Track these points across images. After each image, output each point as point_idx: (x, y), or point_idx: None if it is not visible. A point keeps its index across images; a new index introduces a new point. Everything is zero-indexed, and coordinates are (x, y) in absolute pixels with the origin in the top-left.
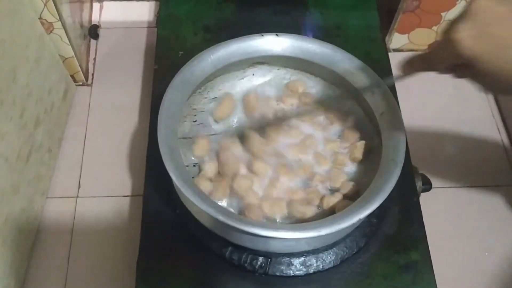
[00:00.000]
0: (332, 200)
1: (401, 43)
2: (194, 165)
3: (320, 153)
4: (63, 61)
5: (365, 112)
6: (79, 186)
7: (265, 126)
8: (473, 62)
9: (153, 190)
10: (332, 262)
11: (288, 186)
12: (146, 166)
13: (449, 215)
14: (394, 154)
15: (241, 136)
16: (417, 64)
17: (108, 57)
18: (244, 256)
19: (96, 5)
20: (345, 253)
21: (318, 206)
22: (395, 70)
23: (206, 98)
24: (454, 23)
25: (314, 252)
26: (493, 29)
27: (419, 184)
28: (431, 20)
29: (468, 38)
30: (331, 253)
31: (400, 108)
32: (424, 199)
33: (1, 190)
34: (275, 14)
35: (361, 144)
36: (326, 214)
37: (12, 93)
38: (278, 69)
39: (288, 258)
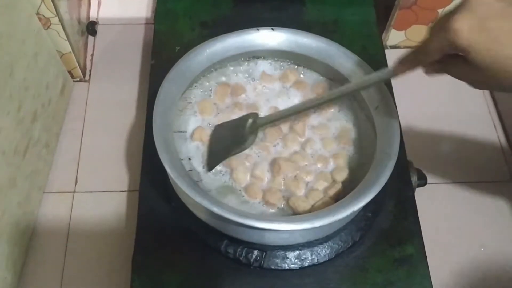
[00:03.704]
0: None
1: (398, 40)
2: (190, 159)
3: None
4: (60, 57)
5: (360, 106)
6: (76, 181)
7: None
8: (467, 53)
9: (149, 184)
10: (327, 255)
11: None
12: (142, 160)
13: (445, 210)
14: (388, 147)
15: None
16: (409, 60)
17: (106, 53)
18: (239, 250)
19: (94, 1)
20: (340, 246)
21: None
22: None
23: (202, 92)
24: (451, 13)
25: (309, 245)
26: (491, 23)
27: (414, 179)
28: (427, 16)
29: (466, 28)
30: (326, 246)
31: (396, 103)
32: (420, 194)
33: None
34: (272, 10)
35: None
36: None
37: (9, 88)
38: (274, 63)
39: (283, 252)
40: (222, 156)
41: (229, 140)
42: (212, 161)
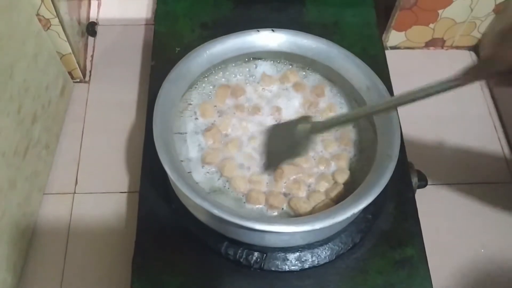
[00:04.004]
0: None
1: (398, 41)
2: (190, 160)
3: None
4: (60, 58)
5: (361, 107)
6: (76, 183)
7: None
8: None
9: (149, 185)
10: (327, 257)
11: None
12: (143, 162)
13: (445, 212)
14: (389, 149)
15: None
16: (477, 69)
17: (106, 54)
18: (239, 251)
19: (94, 2)
20: (340, 248)
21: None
22: (392, 68)
23: (202, 93)
24: None
25: (310, 247)
26: None
27: (415, 180)
28: (427, 17)
29: None
30: (326, 248)
31: None
32: (420, 195)
33: None
34: (272, 11)
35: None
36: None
37: (9, 89)
38: (274, 65)
39: (284, 253)
40: (279, 160)
41: (284, 144)
42: (269, 163)
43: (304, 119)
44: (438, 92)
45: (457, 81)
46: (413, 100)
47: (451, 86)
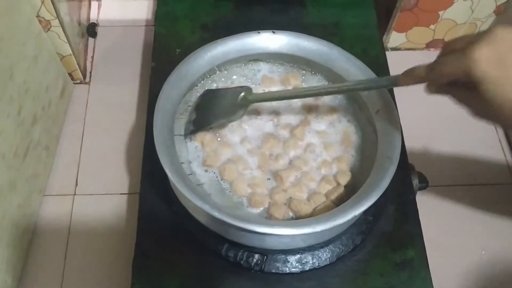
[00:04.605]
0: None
1: (399, 42)
2: (190, 162)
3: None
4: (61, 59)
5: (361, 109)
6: (77, 184)
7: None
8: (480, 84)
9: (150, 187)
10: (328, 259)
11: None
12: (143, 163)
13: (446, 213)
14: (389, 151)
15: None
16: (417, 75)
17: (106, 55)
18: (240, 253)
19: (94, 3)
20: (341, 250)
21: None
22: (393, 69)
23: None
24: (473, 39)
25: (310, 249)
26: (510, 61)
27: (415, 182)
28: (428, 18)
29: (484, 60)
30: (327, 250)
31: (397, 106)
32: (421, 197)
33: None
34: (273, 13)
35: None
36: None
37: (9, 90)
38: (275, 66)
39: (284, 255)
40: (207, 122)
41: (218, 108)
42: (196, 126)
43: (245, 88)
44: (375, 88)
45: (397, 81)
46: (345, 91)
47: (391, 85)
